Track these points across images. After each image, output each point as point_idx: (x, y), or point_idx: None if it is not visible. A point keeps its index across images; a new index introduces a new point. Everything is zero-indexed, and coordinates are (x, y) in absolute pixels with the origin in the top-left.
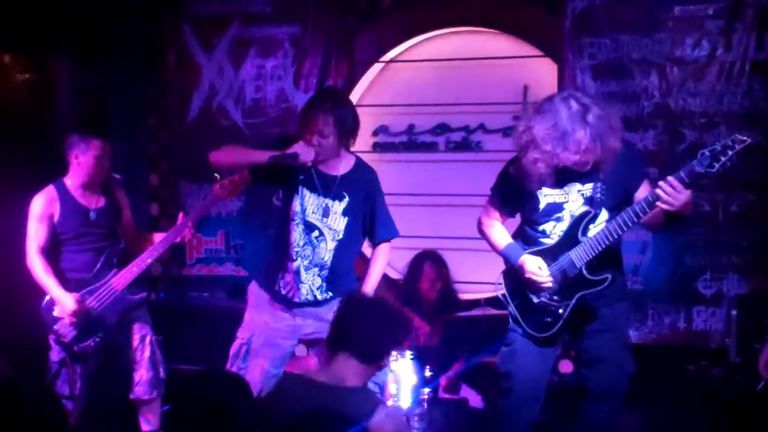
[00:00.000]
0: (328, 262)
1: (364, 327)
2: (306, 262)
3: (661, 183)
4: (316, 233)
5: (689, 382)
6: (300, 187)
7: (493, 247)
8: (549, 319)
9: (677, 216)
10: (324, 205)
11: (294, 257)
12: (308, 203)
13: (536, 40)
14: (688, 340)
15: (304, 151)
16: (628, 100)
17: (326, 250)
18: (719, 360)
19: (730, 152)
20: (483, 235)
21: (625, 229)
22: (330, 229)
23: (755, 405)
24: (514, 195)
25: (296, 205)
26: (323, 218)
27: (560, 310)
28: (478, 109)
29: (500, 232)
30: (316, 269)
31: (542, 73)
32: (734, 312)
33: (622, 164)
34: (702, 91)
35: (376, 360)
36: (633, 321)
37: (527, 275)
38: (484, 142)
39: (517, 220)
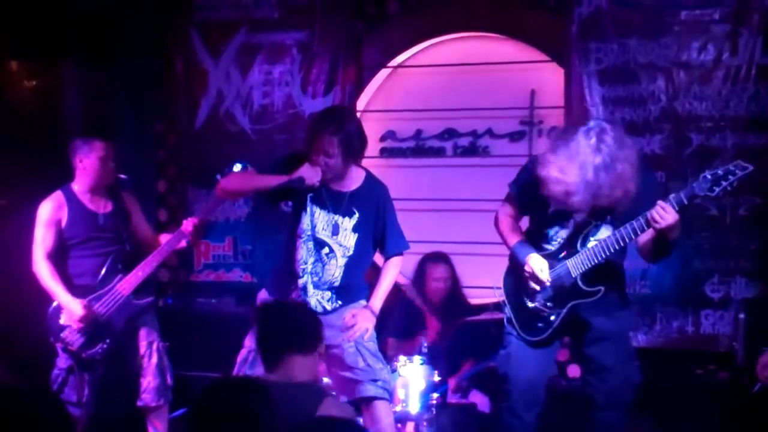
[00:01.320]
0: (338, 279)
1: (291, 322)
2: (315, 279)
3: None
4: (326, 250)
5: (697, 386)
6: (310, 204)
7: (505, 243)
8: (540, 325)
9: (663, 241)
10: (334, 221)
11: (302, 274)
12: (318, 220)
13: (543, 44)
14: (696, 344)
15: (310, 174)
16: (634, 105)
17: (336, 267)
18: (727, 363)
19: (731, 177)
20: (498, 230)
21: (622, 244)
22: (340, 245)
23: (754, 408)
24: (529, 192)
25: (306, 223)
26: (333, 235)
27: (552, 317)
28: (485, 114)
29: (514, 229)
30: (326, 286)
31: (549, 78)
32: (742, 315)
33: (641, 193)
34: (708, 95)
35: (314, 346)
36: (641, 325)
37: (528, 270)
38: (492, 147)
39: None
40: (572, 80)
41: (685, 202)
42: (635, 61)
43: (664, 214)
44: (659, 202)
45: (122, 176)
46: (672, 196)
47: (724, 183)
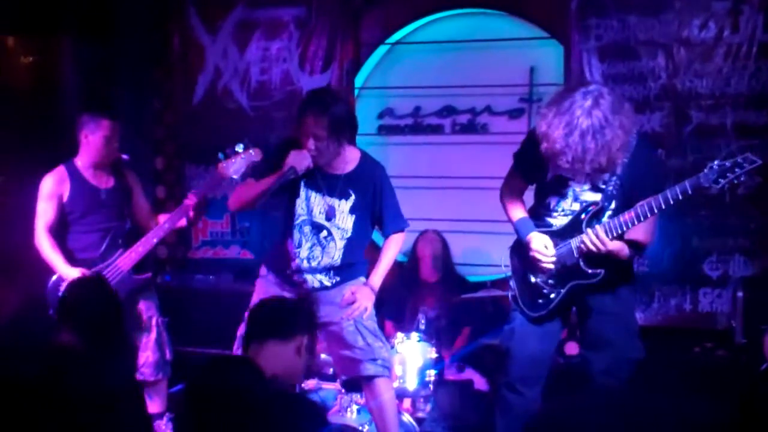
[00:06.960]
0: (338, 261)
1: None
2: (314, 264)
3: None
4: (324, 233)
5: (695, 364)
6: (304, 189)
7: (508, 218)
8: (541, 301)
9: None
10: (330, 205)
11: (293, 257)
12: (314, 204)
13: (543, 21)
14: (694, 322)
15: (298, 161)
16: (634, 82)
17: (336, 249)
18: (725, 341)
19: (738, 170)
20: (502, 203)
21: (615, 234)
22: (338, 228)
23: (759, 386)
24: (530, 159)
25: (301, 207)
26: (330, 218)
27: (552, 295)
28: (484, 92)
29: (517, 205)
30: (324, 269)
31: (549, 55)
32: (740, 293)
33: (643, 173)
34: (709, 72)
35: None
36: (639, 303)
37: (532, 252)
38: (490, 124)
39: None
40: (572, 57)
41: (690, 193)
42: (635, 37)
43: (597, 242)
44: (590, 231)
45: (124, 156)
46: (677, 186)
47: (730, 176)
